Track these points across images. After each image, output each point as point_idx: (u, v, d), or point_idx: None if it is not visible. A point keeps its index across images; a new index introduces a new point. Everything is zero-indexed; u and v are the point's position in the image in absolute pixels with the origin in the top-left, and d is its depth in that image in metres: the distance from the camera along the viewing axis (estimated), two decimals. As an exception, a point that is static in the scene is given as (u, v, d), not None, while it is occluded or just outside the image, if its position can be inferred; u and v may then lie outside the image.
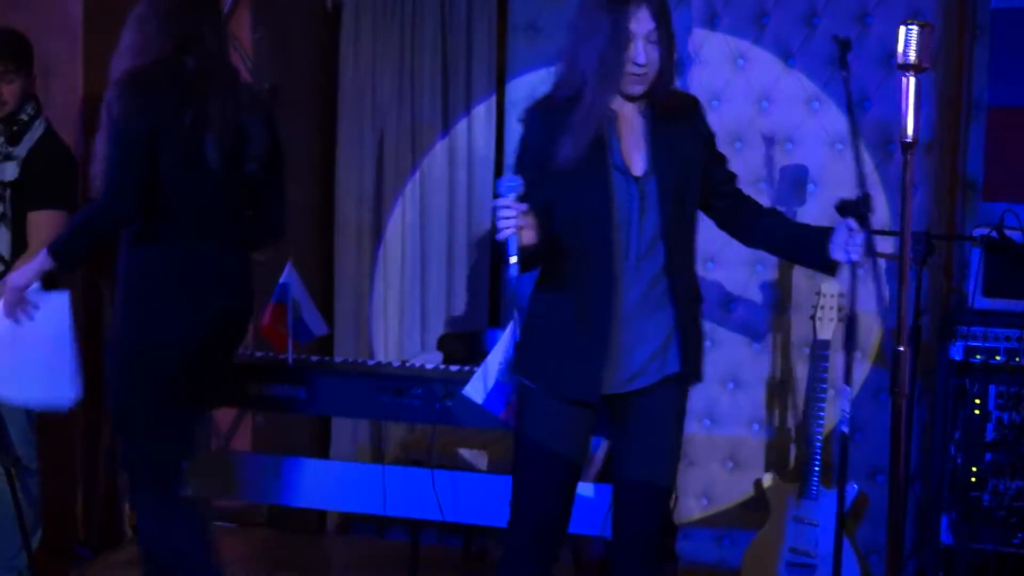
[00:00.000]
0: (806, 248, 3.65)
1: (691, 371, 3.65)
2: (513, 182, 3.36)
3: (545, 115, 3.57)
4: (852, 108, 3.68)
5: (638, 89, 3.51)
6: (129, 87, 3.98)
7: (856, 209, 3.48)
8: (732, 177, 3.78)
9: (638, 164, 3.54)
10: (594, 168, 3.51)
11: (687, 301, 3.62)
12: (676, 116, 3.58)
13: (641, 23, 3.45)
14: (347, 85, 6.19)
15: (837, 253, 3.52)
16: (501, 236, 3.33)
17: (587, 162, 3.49)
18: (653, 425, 3.64)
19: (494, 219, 3.38)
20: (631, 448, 3.67)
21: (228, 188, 4.14)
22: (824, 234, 3.57)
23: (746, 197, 3.81)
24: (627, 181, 3.52)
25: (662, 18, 3.48)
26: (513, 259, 3.33)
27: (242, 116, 4.13)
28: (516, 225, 3.32)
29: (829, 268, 3.59)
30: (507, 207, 3.33)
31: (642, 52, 3.46)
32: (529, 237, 3.37)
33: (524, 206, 3.34)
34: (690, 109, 3.67)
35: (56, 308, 4.19)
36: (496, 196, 3.37)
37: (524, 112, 3.63)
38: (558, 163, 3.47)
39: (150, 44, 4.04)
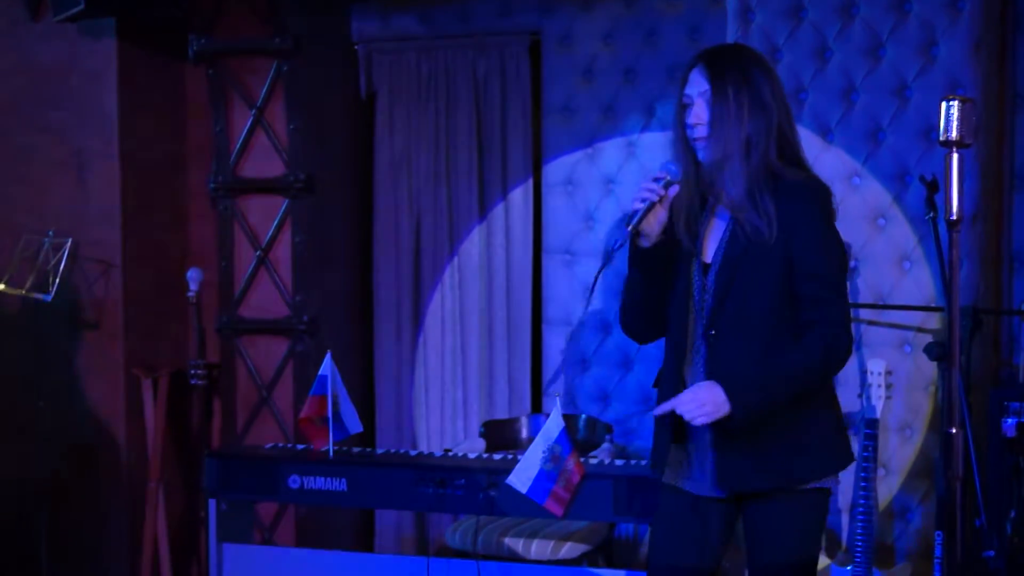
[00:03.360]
0: None
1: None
2: (671, 168, 3.36)
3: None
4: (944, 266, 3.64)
5: (702, 155, 3.34)
6: None
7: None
8: (812, 276, 3.30)
9: (710, 251, 3.40)
10: (687, 251, 3.42)
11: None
12: (779, 200, 3.29)
13: (693, 85, 3.36)
14: (383, 172, 6.19)
15: None
16: (633, 205, 3.31)
17: (686, 245, 3.42)
18: (760, 538, 3.43)
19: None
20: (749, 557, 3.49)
21: None
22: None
23: (816, 321, 3.29)
24: (699, 268, 3.40)
25: (722, 78, 3.31)
26: (630, 226, 3.31)
27: None
28: (651, 200, 3.30)
29: None
30: (653, 184, 3.32)
31: (692, 113, 3.35)
32: (659, 218, 3.34)
33: (673, 190, 3.34)
34: (796, 193, 3.31)
35: None
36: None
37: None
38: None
39: None
